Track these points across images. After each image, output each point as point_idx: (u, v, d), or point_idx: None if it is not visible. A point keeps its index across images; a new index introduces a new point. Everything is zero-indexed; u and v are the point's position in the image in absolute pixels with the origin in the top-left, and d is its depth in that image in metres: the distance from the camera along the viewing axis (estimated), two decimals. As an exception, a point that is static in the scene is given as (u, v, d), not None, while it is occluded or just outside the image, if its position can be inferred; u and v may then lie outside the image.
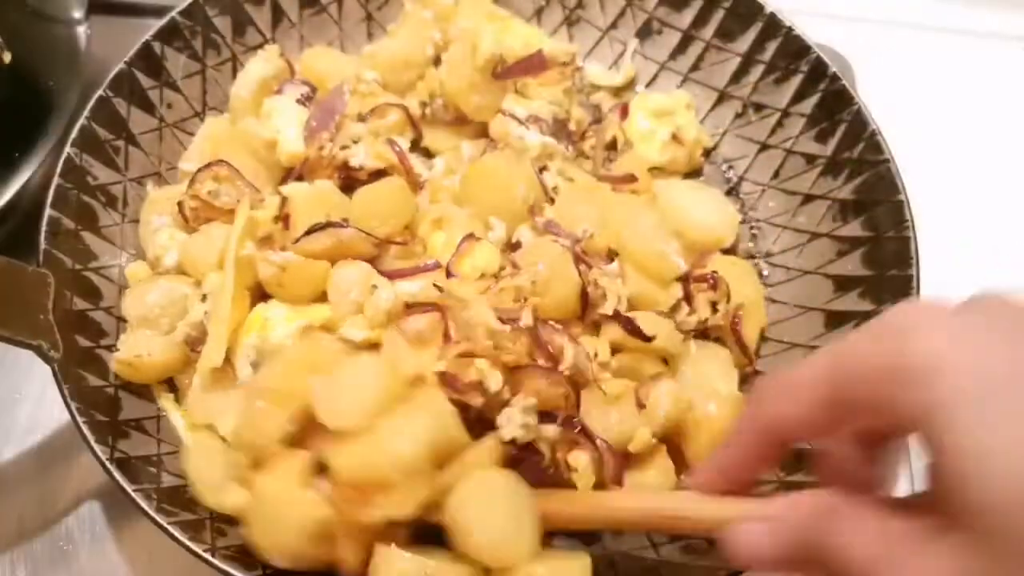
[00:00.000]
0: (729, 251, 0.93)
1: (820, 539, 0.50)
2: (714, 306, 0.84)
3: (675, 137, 0.97)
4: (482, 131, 0.96)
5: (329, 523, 0.68)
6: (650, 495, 0.73)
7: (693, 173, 1.01)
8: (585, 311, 0.82)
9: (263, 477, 0.70)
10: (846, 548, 0.48)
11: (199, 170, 0.88)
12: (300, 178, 0.91)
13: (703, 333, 0.85)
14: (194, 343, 0.83)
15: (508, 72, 0.95)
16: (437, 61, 0.99)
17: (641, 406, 0.78)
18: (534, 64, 0.96)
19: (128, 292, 0.87)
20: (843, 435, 0.54)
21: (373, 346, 0.79)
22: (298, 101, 0.96)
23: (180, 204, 0.88)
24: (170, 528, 0.70)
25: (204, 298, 0.84)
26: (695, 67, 1.04)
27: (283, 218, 0.84)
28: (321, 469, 0.68)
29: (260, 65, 0.99)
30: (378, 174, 0.91)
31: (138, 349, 0.81)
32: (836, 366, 0.49)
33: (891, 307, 0.52)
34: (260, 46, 1.02)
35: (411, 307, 0.78)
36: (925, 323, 0.45)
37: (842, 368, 0.49)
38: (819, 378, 0.50)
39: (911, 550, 0.45)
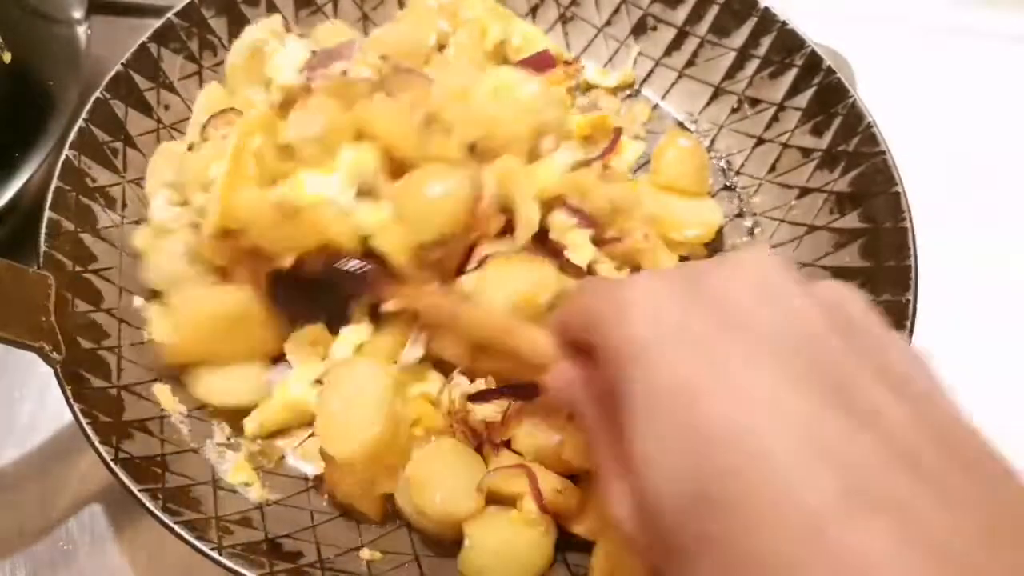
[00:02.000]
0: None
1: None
2: None
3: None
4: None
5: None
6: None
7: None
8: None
9: None
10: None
11: (211, 117, 0.86)
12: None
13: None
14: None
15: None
16: (440, 49, 0.99)
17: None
18: (542, 62, 0.97)
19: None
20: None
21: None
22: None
23: (191, 147, 0.86)
24: (176, 528, 0.70)
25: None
26: (690, 63, 1.05)
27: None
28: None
29: (256, 30, 0.97)
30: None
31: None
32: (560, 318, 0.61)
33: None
34: (256, 47, 1.03)
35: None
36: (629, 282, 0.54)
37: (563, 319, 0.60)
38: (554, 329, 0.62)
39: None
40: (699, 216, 0.93)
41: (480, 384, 0.76)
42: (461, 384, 0.76)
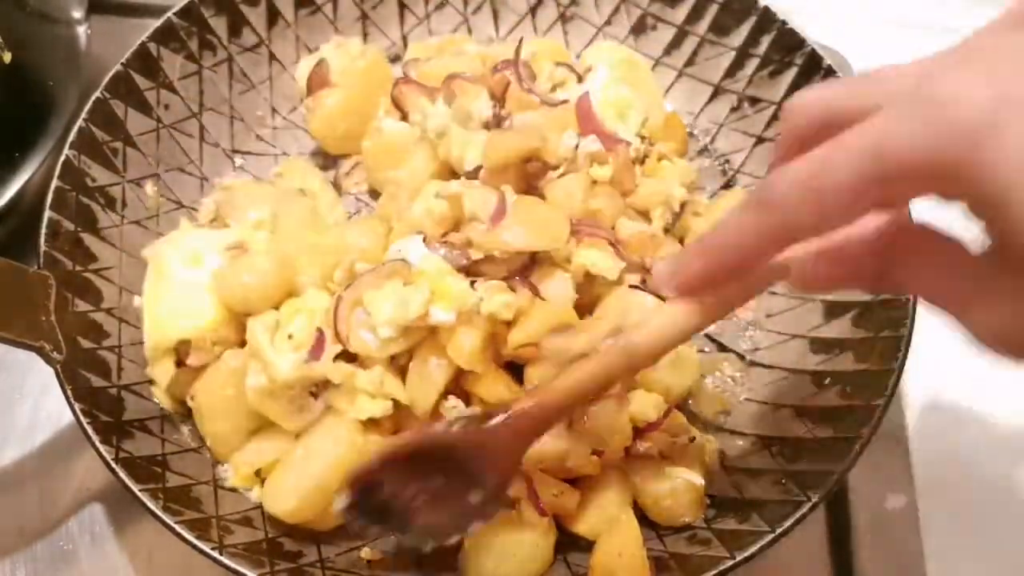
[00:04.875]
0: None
1: (890, 268, 0.52)
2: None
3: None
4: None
5: None
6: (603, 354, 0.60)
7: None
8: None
9: None
10: (913, 280, 0.52)
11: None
12: None
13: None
14: None
15: None
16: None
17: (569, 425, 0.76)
18: None
19: None
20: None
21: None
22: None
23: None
24: (177, 527, 0.70)
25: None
26: (690, 62, 1.05)
27: None
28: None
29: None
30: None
31: None
32: (878, 160, 0.45)
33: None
34: (256, 46, 1.03)
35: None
36: (963, 90, 0.42)
37: (885, 162, 0.45)
38: (861, 175, 0.46)
39: (976, 287, 0.47)
40: None
41: (475, 409, 0.76)
42: (457, 408, 0.76)
